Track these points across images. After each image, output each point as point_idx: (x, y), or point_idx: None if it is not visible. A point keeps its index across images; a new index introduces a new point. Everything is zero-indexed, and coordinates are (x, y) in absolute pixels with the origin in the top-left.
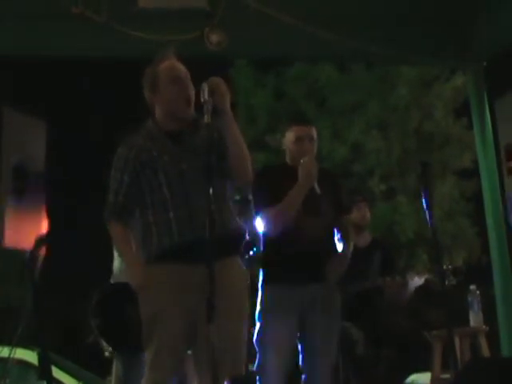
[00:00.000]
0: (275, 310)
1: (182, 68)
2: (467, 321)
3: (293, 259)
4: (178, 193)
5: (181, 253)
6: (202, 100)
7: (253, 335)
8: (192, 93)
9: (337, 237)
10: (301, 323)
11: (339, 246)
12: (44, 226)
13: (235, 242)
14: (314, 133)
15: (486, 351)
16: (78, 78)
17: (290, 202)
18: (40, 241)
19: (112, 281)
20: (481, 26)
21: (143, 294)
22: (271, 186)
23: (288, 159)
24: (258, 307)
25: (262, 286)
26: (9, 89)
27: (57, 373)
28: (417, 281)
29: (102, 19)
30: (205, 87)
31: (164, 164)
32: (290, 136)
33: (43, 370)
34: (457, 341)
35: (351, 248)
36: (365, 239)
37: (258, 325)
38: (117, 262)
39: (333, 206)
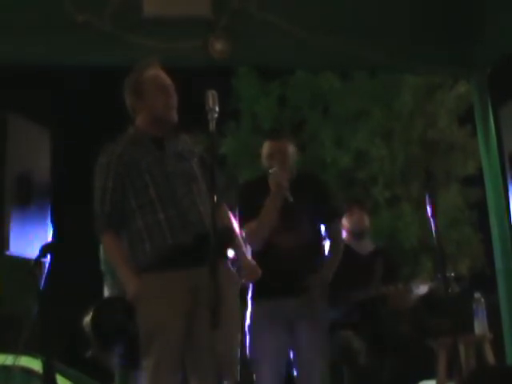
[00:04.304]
0: (263, 324)
1: (166, 77)
2: (472, 328)
3: (273, 274)
4: (164, 193)
5: (176, 257)
6: (206, 108)
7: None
8: (176, 101)
9: (326, 244)
10: (290, 336)
11: (326, 254)
12: (48, 235)
13: (224, 244)
14: (287, 147)
15: (491, 359)
16: (82, 87)
17: (264, 216)
18: (44, 249)
19: (105, 288)
20: (484, 32)
21: (141, 305)
22: (249, 202)
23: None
24: (248, 321)
25: (251, 299)
26: (14, 97)
27: (61, 381)
28: (422, 289)
29: (106, 27)
30: (209, 95)
31: (148, 165)
32: (264, 152)
33: (47, 378)
34: (462, 348)
35: (339, 256)
36: (366, 247)
37: (247, 338)
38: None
39: (316, 214)
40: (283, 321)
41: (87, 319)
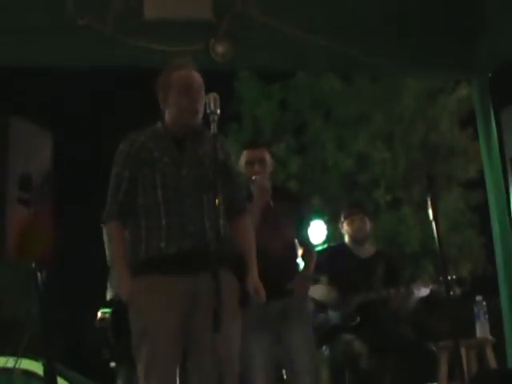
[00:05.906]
0: (250, 326)
1: (196, 78)
2: (474, 332)
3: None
4: (171, 199)
5: (167, 263)
6: (208, 111)
7: None
8: (201, 104)
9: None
10: (278, 337)
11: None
12: (50, 237)
13: (227, 254)
14: (265, 155)
15: (492, 362)
16: (84, 89)
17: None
18: (46, 251)
19: (109, 285)
20: (485, 36)
21: (133, 306)
22: None
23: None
24: None
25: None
26: (16, 99)
27: (62, 383)
28: (423, 291)
29: (107, 30)
30: (211, 98)
31: (163, 166)
32: (242, 160)
33: (48, 381)
34: (463, 352)
35: (313, 260)
36: (368, 250)
37: None
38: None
39: (292, 219)
40: (270, 323)
41: (105, 318)
